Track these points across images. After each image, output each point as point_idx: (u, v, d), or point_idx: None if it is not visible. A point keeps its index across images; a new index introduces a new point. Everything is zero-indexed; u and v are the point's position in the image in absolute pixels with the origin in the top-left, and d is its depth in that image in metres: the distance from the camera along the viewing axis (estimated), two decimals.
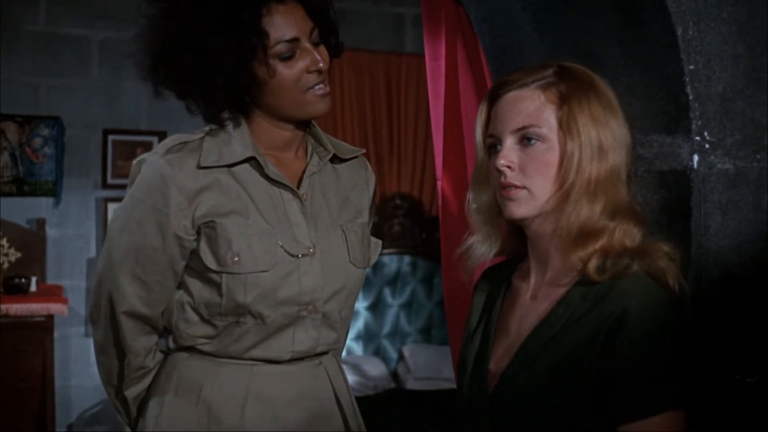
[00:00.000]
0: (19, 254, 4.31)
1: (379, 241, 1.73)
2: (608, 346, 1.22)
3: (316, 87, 1.51)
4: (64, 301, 4.09)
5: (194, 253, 1.52)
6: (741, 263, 1.38)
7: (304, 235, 1.54)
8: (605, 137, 1.29)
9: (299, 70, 1.49)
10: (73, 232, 4.51)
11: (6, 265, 4.27)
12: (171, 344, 1.61)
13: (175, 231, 1.49)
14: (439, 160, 1.94)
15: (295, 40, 1.48)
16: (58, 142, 4.42)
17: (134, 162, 1.56)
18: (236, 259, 1.48)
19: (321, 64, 1.49)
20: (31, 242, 4.35)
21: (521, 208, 1.31)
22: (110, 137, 4.53)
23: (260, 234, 1.50)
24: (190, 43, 1.47)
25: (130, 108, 4.55)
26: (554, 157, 1.30)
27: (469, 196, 1.44)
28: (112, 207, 4.51)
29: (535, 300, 1.37)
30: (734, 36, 1.37)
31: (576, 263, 1.30)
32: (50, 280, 4.41)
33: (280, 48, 1.48)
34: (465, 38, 1.96)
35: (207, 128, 1.56)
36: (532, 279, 1.39)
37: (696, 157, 1.37)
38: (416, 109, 4.99)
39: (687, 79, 1.36)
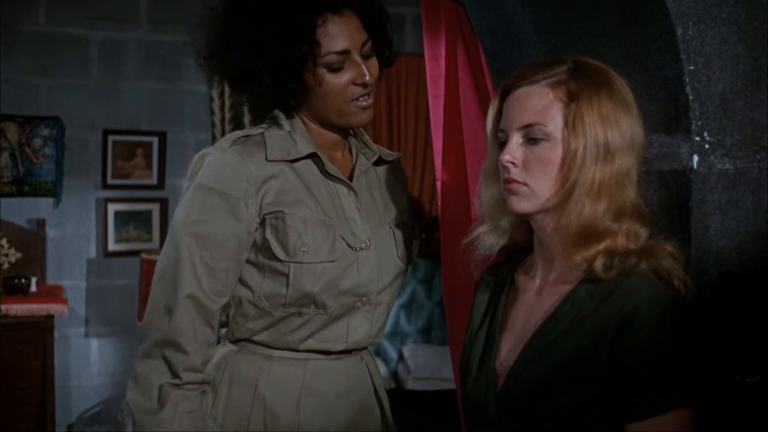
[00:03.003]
0: (19, 254, 4.33)
1: (417, 243, 1.83)
2: (617, 344, 1.22)
3: (360, 99, 1.56)
4: (64, 302, 4.10)
5: (254, 246, 1.55)
6: (741, 263, 1.37)
7: (360, 229, 1.60)
8: (613, 138, 1.29)
9: (346, 82, 1.54)
10: (73, 232, 4.53)
11: (6, 266, 4.28)
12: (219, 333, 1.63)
13: (245, 217, 1.51)
14: (438, 161, 1.93)
15: (345, 53, 1.53)
16: (58, 142, 4.43)
17: (196, 157, 1.58)
18: (304, 249, 1.52)
19: (367, 78, 1.54)
20: (31, 242, 4.36)
21: (521, 203, 1.32)
22: (110, 137, 4.54)
23: (324, 226, 1.55)
24: (245, 43, 1.51)
25: (129, 108, 4.57)
26: (557, 155, 1.30)
27: (479, 187, 1.45)
28: (112, 207, 4.54)
29: (540, 296, 1.37)
30: (734, 36, 1.36)
31: (580, 263, 1.30)
32: (50, 281, 4.43)
33: (330, 59, 1.52)
34: (465, 38, 1.95)
35: (264, 125, 1.61)
36: (538, 275, 1.40)
37: (696, 158, 1.36)
38: (416, 110, 4.99)
39: (687, 80, 1.35)
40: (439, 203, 1.94)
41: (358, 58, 1.54)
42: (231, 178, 1.51)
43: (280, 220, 1.53)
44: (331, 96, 1.55)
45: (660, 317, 1.22)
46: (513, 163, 1.31)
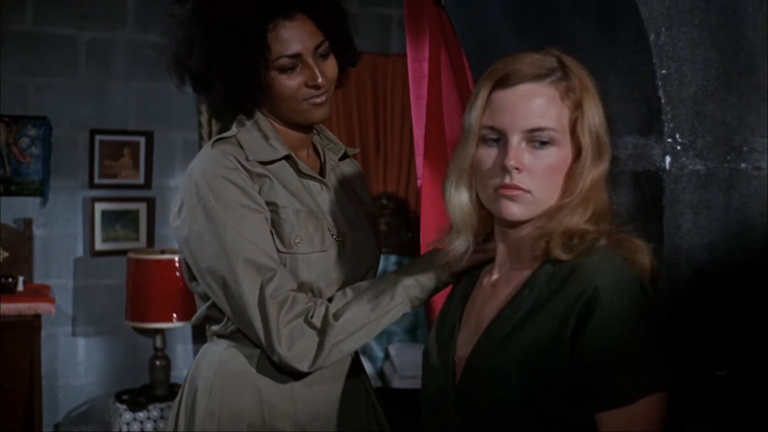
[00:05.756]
0: (6, 254, 4.29)
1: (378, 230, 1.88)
2: (581, 329, 1.15)
3: (312, 98, 1.61)
4: (52, 301, 4.08)
5: None
6: (712, 261, 1.40)
7: (338, 221, 1.67)
8: (603, 137, 1.24)
9: (298, 84, 1.60)
10: (60, 231, 4.50)
11: None
12: (212, 330, 1.67)
13: (260, 197, 1.57)
14: (419, 159, 1.97)
15: (296, 56, 1.58)
16: (45, 142, 4.40)
17: (186, 174, 1.61)
18: (298, 240, 1.58)
19: (319, 80, 1.59)
20: (18, 242, 4.33)
21: (521, 209, 1.23)
22: (97, 137, 4.51)
23: (314, 218, 1.62)
24: (202, 49, 1.57)
25: (117, 108, 4.55)
26: (564, 162, 1.23)
27: (449, 189, 1.31)
28: (99, 207, 4.51)
29: (495, 286, 1.32)
30: (705, 41, 1.39)
31: (539, 246, 1.24)
32: (37, 280, 4.40)
33: (282, 62, 1.58)
34: (448, 42, 1.99)
35: (234, 129, 1.67)
36: (496, 267, 1.34)
37: (668, 159, 1.39)
38: (402, 110, 5.00)
39: (659, 83, 1.38)
40: (421, 201, 1.97)
41: (310, 61, 1.59)
42: (229, 169, 1.57)
43: (274, 213, 1.59)
44: (285, 97, 1.61)
45: (624, 299, 1.16)
46: (518, 169, 1.21)
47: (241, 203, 1.55)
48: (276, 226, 1.58)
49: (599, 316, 1.15)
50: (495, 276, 1.34)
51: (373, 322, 1.55)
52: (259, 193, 1.59)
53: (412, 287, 1.57)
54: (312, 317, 1.53)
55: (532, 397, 1.19)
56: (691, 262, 1.39)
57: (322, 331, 1.52)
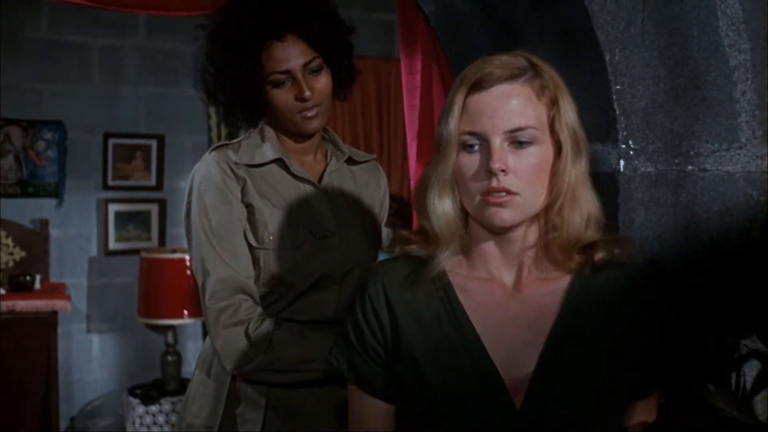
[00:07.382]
0: (23, 253, 4.36)
1: (390, 230, 2.00)
2: (639, 333, 1.22)
3: (303, 111, 1.75)
4: (67, 298, 4.12)
5: None
6: (662, 251, 1.52)
7: (326, 220, 1.79)
8: (579, 133, 1.21)
9: (290, 97, 1.75)
10: (75, 231, 4.55)
11: (11, 264, 4.31)
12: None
13: (236, 199, 1.73)
14: (412, 163, 2.11)
15: (286, 72, 1.73)
16: (60, 145, 4.46)
17: (190, 178, 1.80)
18: (271, 237, 1.73)
19: (306, 93, 1.73)
20: (35, 242, 4.38)
21: (511, 214, 1.18)
22: (110, 140, 4.55)
23: (289, 218, 1.75)
24: (210, 66, 1.76)
25: (129, 112, 4.59)
26: (547, 160, 1.19)
27: (431, 200, 1.25)
28: (112, 208, 4.54)
29: (521, 294, 1.24)
30: (655, 60, 1.51)
31: (571, 258, 1.23)
32: (53, 279, 4.43)
33: (275, 77, 1.74)
34: (438, 57, 2.11)
35: (243, 135, 1.84)
36: (502, 276, 1.26)
37: (622, 162, 1.50)
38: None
39: (614, 97, 1.50)
40: (413, 202, 2.11)
41: (299, 76, 1.74)
42: (219, 174, 1.74)
43: (251, 214, 1.75)
44: (281, 108, 1.77)
45: (666, 302, 1.25)
46: (504, 171, 1.16)
47: (217, 203, 1.72)
48: (251, 224, 1.74)
49: (651, 320, 1.24)
50: (509, 284, 1.26)
51: (292, 371, 1.69)
52: (242, 192, 1.75)
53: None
54: (251, 332, 1.68)
55: (608, 398, 1.22)
56: (643, 253, 1.51)
57: (252, 352, 1.68)
